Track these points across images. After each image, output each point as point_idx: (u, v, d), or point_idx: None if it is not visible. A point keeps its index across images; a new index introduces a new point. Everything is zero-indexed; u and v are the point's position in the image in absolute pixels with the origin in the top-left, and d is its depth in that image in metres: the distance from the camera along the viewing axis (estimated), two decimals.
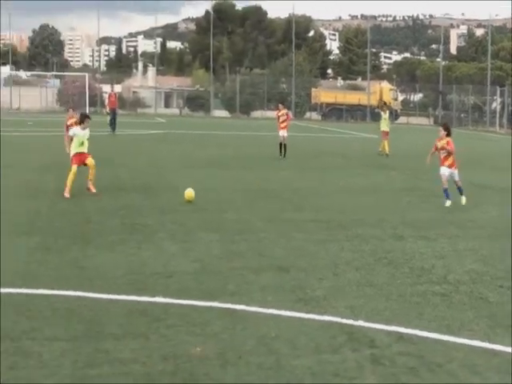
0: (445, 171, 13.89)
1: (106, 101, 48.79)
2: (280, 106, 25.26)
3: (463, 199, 14.16)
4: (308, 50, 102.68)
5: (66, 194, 13.89)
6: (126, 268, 8.42)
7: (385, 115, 28.11)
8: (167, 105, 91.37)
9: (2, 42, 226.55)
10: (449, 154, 13.97)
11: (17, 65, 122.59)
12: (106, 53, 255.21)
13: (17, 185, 15.61)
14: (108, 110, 36.68)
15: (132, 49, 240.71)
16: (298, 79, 78.61)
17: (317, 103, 76.96)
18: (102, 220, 11.61)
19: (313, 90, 78.82)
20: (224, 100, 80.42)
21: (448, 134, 14.13)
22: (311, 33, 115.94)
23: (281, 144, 23.79)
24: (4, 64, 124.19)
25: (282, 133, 23.89)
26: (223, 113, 76.41)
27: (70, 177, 14.11)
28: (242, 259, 9.01)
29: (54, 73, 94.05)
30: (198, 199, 14.02)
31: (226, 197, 14.77)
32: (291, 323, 6.53)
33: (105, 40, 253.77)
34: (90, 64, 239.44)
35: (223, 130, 42.95)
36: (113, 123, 35.35)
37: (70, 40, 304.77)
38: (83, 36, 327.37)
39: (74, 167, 14.28)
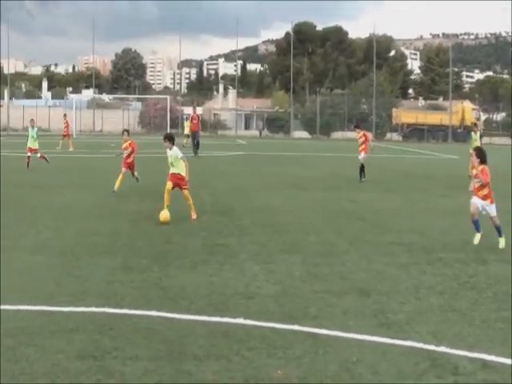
0: (476, 201, 11.69)
1: (189, 123, 49.70)
2: (357, 130, 24.75)
3: (502, 241, 11.56)
4: (389, 69, 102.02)
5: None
6: (207, 289, 8.47)
7: (475, 136, 27.32)
8: (247, 126, 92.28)
9: (85, 65, 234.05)
10: (483, 184, 11.82)
11: (100, 88, 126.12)
12: (187, 75, 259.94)
13: (100, 205, 16.01)
14: (189, 132, 37.23)
15: (213, 71, 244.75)
16: (379, 100, 78.13)
17: (398, 124, 76.25)
18: (183, 240, 11.75)
19: (394, 110, 78.16)
20: (304, 121, 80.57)
21: (482, 161, 12.00)
22: (392, 52, 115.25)
23: (361, 168, 23.39)
24: (87, 87, 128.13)
25: (361, 156, 23.49)
26: (303, 134, 76.51)
27: (165, 195, 14.15)
28: (323, 282, 8.93)
29: (136, 96, 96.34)
30: (280, 220, 14.06)
31: (308, 218, 14.72)
32: (373, 348, 6.40)
33: (186, 63, 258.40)
34: (172, 86, 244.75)
35: (303, 151, 43.01)
36: (195, 145, 35.49)
37: (152, 63, 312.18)
38: (165, 59, 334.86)
39: (169, 184, 14.19)
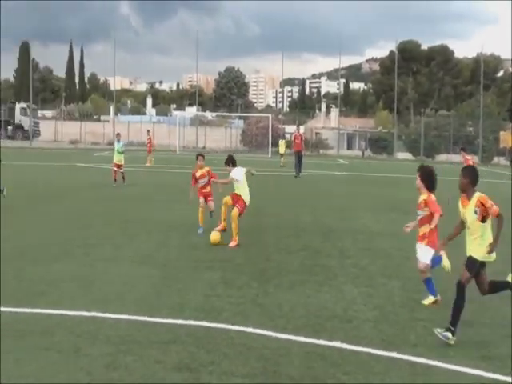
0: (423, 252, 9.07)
1: (283, 142, 50.00)
2: (462, 152, 24.00)
3: (428, 300, 9.03)
4: (497, 91, 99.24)
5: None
6: (305, 309, 8.47)
7: None
8: (349, 146, 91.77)
9: (189, 83, 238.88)
10: (427, 218, 8.98)
11: (203, 106, 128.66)
12: (290, 94, 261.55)
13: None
14: (287, 151, 36.64)
15: (315, 90, 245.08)
16: (486, 122, 75.98)
17: (505, 147, 73.91)
18: (283, 259, 11.79)
19: (501, 133, 75.87)
20: (408, 142, 79.35)
21: (429, 188, 9.03)
22: (500, 73, 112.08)
23: None
24: (191, 104, 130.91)
25: None
26: (407, 155, 75.27)
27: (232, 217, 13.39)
28: (424, 309, 8.74)
29: (239, 114, 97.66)
30: (380, 244, 13.90)
31: (409, 243, 14.45)
32: (473, 381, 6.22)
33: (288, 81, 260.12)
34: (274, 105, 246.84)
35: (406, 173, 42.37)
36: (298, 165, 34.50)
37: (255, 82, 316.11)
38: (267, 78, 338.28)
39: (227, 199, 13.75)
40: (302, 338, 7.17)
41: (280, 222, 16.61)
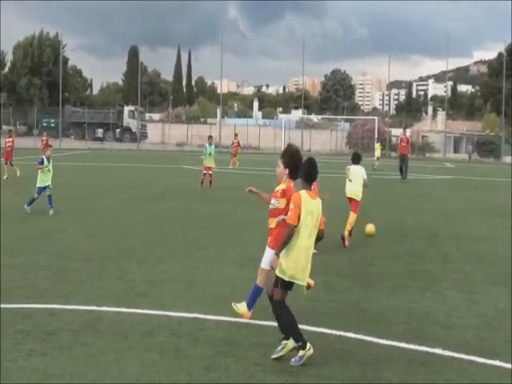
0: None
1: (379, 146, 49.48)
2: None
3: (240, 308, 7.95)
4: None
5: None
6: (407, 315, 8.39)
7: None
8: (456, 150, 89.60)
9: (295, 86, 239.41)
10: (278, 212, 7.62)
11: (308, 108, 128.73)
12: (396, 97, 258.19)
13: None
14: (398, 155, 35.66)
15: (422, 92, 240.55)
16: None
17: None
18: (386, 264, 11.71)
19: None
20: None
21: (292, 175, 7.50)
22: None
23: None
24: (296, 108, 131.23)
25: None
26: None
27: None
28: None
29: (345, 116, 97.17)
30: (485, 249, 13.58)
31: None
32: None
33: (395, 84, 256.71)
34: (380, 108, 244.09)
35: None
36: (404, 169, 33.70)
37: (361, 84, 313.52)
38: (374, 80, 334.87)
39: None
40: (403, 344, 7.12)
41: (384, 226, 16.45)
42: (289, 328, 6.64)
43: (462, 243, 14.31)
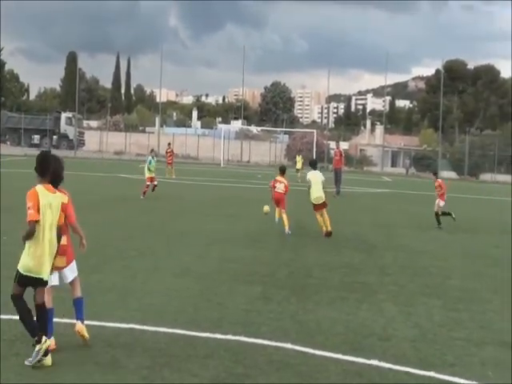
0: None
1: (300, 159, 50.23)
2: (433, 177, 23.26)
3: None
4: None
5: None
6: (344, 326, 8.45)
7: None
8: (394, 164, 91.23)
9: (235, 97, 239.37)
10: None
11: (248, 119, 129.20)
12: (335, 110, 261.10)
13: (244, 234, 16.38)
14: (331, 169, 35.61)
15: (361, 107, 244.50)
16: None
17: None
18: (323, 275, 11.78)
19: None
20: (452, 161, 78.62)
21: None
22: None
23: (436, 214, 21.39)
24: (236, 118, 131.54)
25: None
26: (451, 174, 74.51)
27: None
28: (463, 329, 8.66)
29: (284, 129, 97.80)
30: (421, 262, 13.82)
31: (450, 262, 14.35)
32: None
33: (334, 98, 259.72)
34: (319, 121, 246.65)
35: (450, 191, 41.96)
36: (337, 182, 33.12)
37: (300, 97, 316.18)
38: (313, 93, 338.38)
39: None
40: (339, 356, 7.16)
41: (321, 238, 16.60)
42: (22, 323, 6.57)
43: (398, 255, 14.53)
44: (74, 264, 7.38)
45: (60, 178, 7.03)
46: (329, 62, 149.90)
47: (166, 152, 44.26)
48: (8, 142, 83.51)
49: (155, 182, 26.86)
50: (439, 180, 22.19)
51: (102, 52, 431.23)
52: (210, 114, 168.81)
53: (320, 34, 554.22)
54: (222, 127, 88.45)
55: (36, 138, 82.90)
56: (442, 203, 21.37)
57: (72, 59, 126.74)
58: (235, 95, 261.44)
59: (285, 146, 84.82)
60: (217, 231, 16.89)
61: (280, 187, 17.70)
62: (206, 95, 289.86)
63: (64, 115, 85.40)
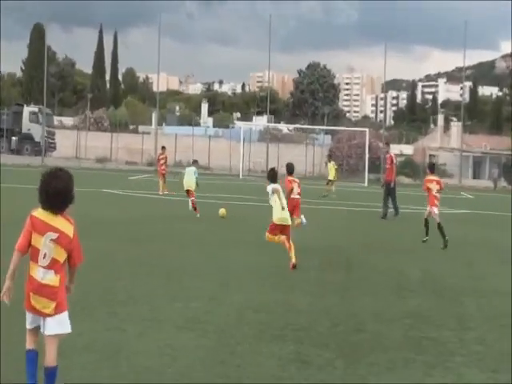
0: None
1: (333, 166, 50.12)
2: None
3: None
4: None
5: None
6: None
7: None
8: (476, 174, 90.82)
9: (258, 84, 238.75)
10: None
11: (276, 115, 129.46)
12: (395, 101, 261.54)
13: (269, 269, 16.37)
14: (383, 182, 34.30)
15: (430, 96, 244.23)
16: None
17: None
18: (379, 329, 11.72)
19: None
20: None
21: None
22: None
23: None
24: (260, 113, 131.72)
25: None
26: None
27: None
28: None
29: (325, 127, 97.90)
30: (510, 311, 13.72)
31: None
32: None
33: (393, 84, 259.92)
34: (373, 116, 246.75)
35: None
36: (391, 201, 32.77)
37: (347, 84, 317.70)
38: (364, 79, 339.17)
39: None
40: None
41: (377, 276, 16.54)
42: None
43: (483, 303, 14.42)
44: (64, 316, 7.61)
45: (59, 200, 7.51)
46: (385, 35, 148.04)
47: (159, 159, 44.37)
48: None
49: (192, 198, 29.70)
50: (431, 178, 24.17)
51: (80, 25, 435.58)
52: (224, 108, 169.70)
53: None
54: (241, 125, 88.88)
55: None
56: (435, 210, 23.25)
57: (38, 34, 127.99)
58: (259, 82, 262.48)
59: (326, 150, 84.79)
60: (235, 266, 16.91)
61: (296, 192, 20.88)
62: (220, 82, 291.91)
63: (27, 109, 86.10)
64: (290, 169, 21.01)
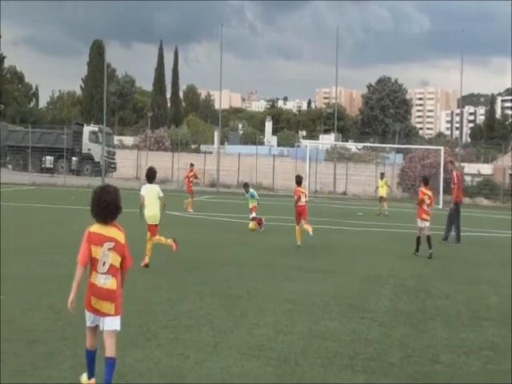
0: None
1: (383, 183, 49.87)
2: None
3: None
4: None
5: None
6: None
7: None
8: None
9: (325, 100, 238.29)
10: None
11: (344, 132, 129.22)
12: (472, 117, 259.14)
13: (341, 299, 16.35)
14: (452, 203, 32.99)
15: (510, 112, 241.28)
16: None
17: None
18: (456, 361, 11.56)
19: None
20: None
21: None
22: None
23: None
24: (327, 131, 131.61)
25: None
26: None
27: None
28: None
29: (396, 145, 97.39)
30: None
31: None
32: None
33: (470, 99, 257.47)
34: (448, 133, 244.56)
35: None
36: (455, 225, 31.71)
37: (420, 99, 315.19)
38: (439, 93, 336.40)
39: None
40: None
41: (452, 304, 16.41)
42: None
43: None
44: (119, 316, 8.94)
45: (109, 211, 8.88)
46: (462, 46, 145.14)
47: (188, 176, 45.99)
48: (10, 166, 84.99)
49: (254, 215, 32.86)
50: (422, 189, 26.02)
51: (140, 40, 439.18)
52: (289, 126, 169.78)
53: (448, 5, 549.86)
54: (307, 144, 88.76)
55: (48, 159, 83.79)
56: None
57: (98, 51, 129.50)
58: (325, 98, 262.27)
59: (397, 169, 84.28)
60: (301, 293, 16.88)
61: (303, 200, 27.31)
62: (284, 99, 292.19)
63: (87, 129, 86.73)
64: (299, 180, 27.95)
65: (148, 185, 20.65)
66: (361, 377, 10.28)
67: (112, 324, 8.77)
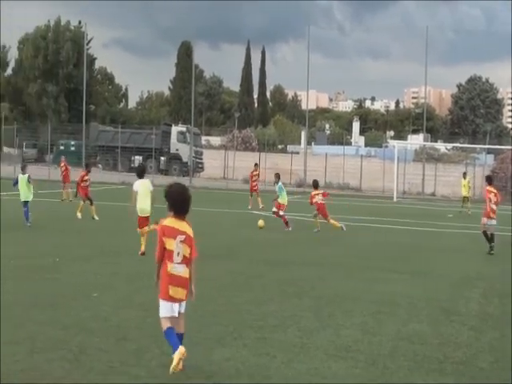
0: None
1: (466, 182, 49.14)
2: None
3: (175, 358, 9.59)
4: None
5: None
6: None
7: None
8: None
9: (413, 100, 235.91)
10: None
11: (433, 133, 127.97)
12: None
13: (430, 302, 16.18)
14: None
15: None
16: None
17: None
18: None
19: None
20: None
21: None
22: None
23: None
24: (415, 131, 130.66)
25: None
26: None
27: None
28: None
29: (487, 146, 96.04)
30: None
31: None
32: None
33: None
34: None
35: None
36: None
37: None
38: None
39: None
40: None
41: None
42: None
43: None
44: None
45: (187, 206, 9.89)
46: None
47: (251, 176, 47.01)
48: (100, 165, 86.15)
49: (282, 213, 32.23)
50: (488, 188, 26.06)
51: (227, 41, 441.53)
52: (377, 127, 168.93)
53: None
54: (395, 145, 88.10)
55: (137, 159, 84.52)
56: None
57: (186, 52, 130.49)
58: (414, 98, 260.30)
59: (488, 170, 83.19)
60: (389, 295, 16.76)
61: (319, 198, 31.13)
62: (372, 99, 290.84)
63: (175, 129, 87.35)
64: (315, 184, 32.56)
65: (139, 180, 22.23)
66: (449, 378, 10.15)
67: (183, 307, 9.96)
